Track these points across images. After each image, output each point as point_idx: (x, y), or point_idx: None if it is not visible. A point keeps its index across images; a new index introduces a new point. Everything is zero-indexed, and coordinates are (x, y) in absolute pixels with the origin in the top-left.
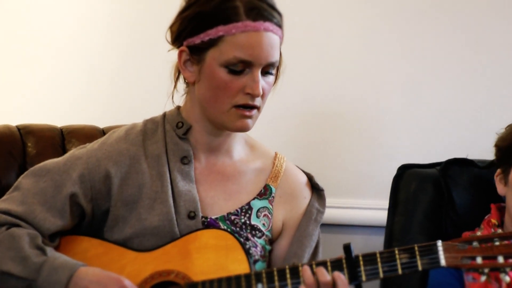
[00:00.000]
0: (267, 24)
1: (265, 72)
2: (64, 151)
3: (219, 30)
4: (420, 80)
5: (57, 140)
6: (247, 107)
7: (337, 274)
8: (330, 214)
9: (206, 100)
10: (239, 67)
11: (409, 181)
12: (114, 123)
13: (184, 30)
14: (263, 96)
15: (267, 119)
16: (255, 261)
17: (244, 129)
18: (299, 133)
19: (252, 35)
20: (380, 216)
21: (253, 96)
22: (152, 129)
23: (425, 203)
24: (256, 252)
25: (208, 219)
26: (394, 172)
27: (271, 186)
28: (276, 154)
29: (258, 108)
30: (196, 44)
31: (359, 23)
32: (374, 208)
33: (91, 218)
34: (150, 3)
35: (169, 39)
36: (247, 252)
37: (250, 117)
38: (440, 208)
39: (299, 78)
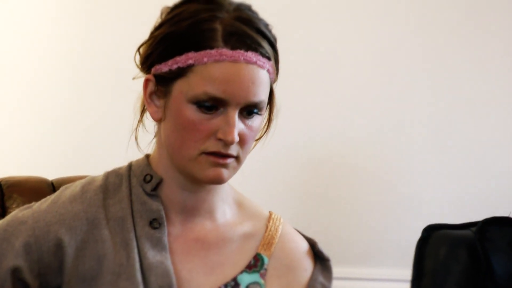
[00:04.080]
0: (250, 55)
1: (246, 113)
2: (3, 209)
3: (189, 58)
4: (450, 117)
5: None
6: (219, 155)
7: None
8: (339, 287)
9: (172, 143)
10: (211, 105)
11: (437, 246)
12: (66, 174)
13: (152, 54)
14: (242, 144)
15: (257, 167)
16: None
17: (218, 180)
18: (297, 185)
19: (228, 66)
20: None
21: (226, 143)
22: (115, 184)
23: (458, 274)
24: None
25: None
26: (418, 234)
27: (263, 256)
28: (270, 214)
29: (236, 157)
30: (163, 73)
31: (372, 46)
32: (394, 280)
33: None
34: (108, 30)
35: (138, 62)
36: None
37: (224, 165)
38: (477, 279)
39: (298, 115)
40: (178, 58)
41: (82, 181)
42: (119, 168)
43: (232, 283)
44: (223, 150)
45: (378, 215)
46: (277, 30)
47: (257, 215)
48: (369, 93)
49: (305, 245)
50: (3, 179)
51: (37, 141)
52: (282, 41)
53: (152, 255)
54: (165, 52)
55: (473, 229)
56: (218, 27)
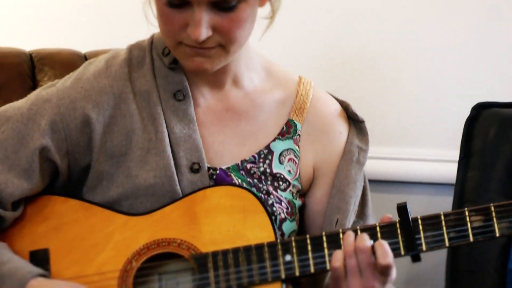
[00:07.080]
0: None
1: (223, 7)
2: (34, 82)
3: None
4: None
5: (25, 69)
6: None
7: (380, 242)
8: (382, 167)
9: (159, 28)
10: (176, 1)
11: (487, 125)
12: (98, 47)
13: None
14: (224, 34)
15: (299, 51)
16: (282, 221)
17: (201, 70)
18: (338, 66)
19: None
20: (448, 170)
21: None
22: (138, 57)
23: (508, 154)
24: (281, 209)
25: (218, 171)
26: (466, 113)
27: (296, 122)
28: (300, 79)
29: (220, 45)
30: None
31: None
32: (440, 160)
33: (66, 177)
34: None
35: None
36: (271, 215)
37: (204, 55)
38: None
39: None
40: None
41: (105, 55)
42: (143, 41)
43: (266, 151)
44: (196, 44)
45: (426, 93)
46: None
47: (287, 81)
48: None
49: (338, 108)
50: (34, 51)
51: (69, 13)
52: None
53: (179, 129)
54: None
55: None
56: None
